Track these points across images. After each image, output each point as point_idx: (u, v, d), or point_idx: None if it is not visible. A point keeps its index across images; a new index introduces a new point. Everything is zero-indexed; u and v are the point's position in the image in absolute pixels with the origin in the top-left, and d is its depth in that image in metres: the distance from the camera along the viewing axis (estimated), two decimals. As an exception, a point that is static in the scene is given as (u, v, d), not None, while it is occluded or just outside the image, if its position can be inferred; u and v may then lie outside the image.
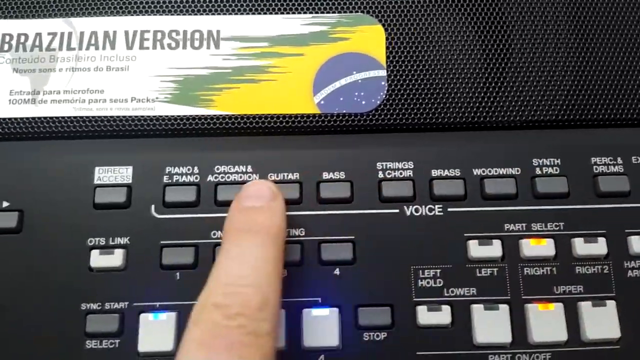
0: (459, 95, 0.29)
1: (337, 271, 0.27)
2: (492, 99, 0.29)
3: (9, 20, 0.30)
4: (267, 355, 0.21)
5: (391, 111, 0.29)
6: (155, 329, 0.26)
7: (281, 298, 0.23)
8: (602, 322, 0.26)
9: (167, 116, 0.28)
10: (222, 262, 0.23)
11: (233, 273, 0.22)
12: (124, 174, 0.27)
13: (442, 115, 0.29)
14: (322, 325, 0.26)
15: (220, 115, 0.28)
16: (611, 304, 0.26)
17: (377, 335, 0.26)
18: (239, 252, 0.23)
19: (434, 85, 0.29)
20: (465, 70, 0.29)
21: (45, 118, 0.28)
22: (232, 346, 0.20)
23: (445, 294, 0.26)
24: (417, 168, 0.28)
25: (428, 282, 0.26)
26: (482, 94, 0.29)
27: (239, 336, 0.20)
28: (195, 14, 0.30)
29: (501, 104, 0.29)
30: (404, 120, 0.29)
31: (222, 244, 0.24)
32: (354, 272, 0.27)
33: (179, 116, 0.28)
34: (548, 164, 0.28)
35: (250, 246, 0.23)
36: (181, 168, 0.28)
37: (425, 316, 0.26)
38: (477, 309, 0.26)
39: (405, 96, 0.29)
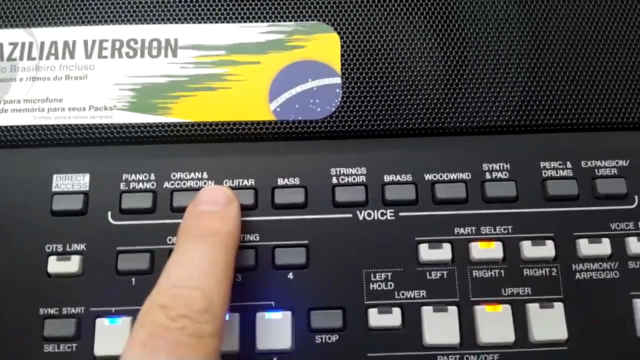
0: (411, 102, 0.29)
1: (290, 275, 0.27)
2: (443, 106, 0.29)
3: (-29, 30, 0.30)
4: (208, 358, 0.21)
5: (345, 118, 0.29)
6: (110, 334, 0.26)
7: (228, 302, 0.24)
8: (549, 323, 0.26)
9: (124, 124, 0.29)
10: (170, 265, 0.24)
11: (180, 276, 0.23)
12: (81, 181, 0.28)
13: (395, 121, 0.29)
14: (275, 328, 0.26)
15: (177, 122, 0.29)
16: (559, 306, 0.27)
17: (329, 338, 0.26)
18: (188, 256, 0.24)
19: (387, 93, 0.30)
20: (418, 78, 0.30)
21: (5, 127, 0.29)
22: (173, 347, 0.21)
23: (396, 297, 0.27)
24: (370, 173, 0.28)
25: (379, 285, 0.27)
26: (434, 101, 0.30)
27: (180, 337, 0.21)
28: (154, 23, 0.30)
29: (452, 110, 0.29)
30: (357, 127, 0.29)
31: (174, 248, 0.25)
32: (307, 276, 0.27)
33: (136, 124, 0.29)
34: (497, 168, 0.28)
35: (199, 250, 0.24)
36: (138, 175, 0.28)
37: (376, 318, 0.26)
38: (426, 311, 0.26)
39: (359, 103, 0.29)
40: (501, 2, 0.31)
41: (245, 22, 0.30)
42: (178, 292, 0.22)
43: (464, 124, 0.29)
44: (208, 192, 0.26)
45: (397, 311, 0.27)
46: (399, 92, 0.30)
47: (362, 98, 0.29)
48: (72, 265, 0.27)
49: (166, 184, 0.28)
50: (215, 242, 0.24)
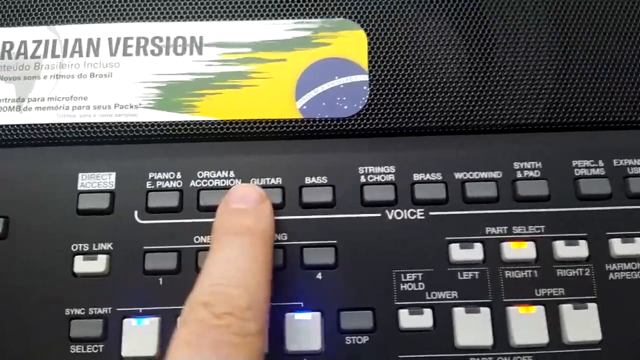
0: (440, 99, 0.29)
1: (319, 275, 0.27)
2: (473, 103, 0.29)
3: (-6, 28, 0.30)
4: (254, 356, 0.21)
5: (373, 116, 0.29)
6: (138, 334, 0.26)
7: (269, 300, 0.23)
8: (583, 324, 0.26)
9: (150, 122, 0.29)
10: (209, 263, 0.23)
11: (220, 274, 0.23)
12: (107, 180, 0.28)
13: (424, 119, 0.29)
14: (305, 329, 0.26)
15: (203, 120, 0.29)
16: (592, 307, 0.26)
17: (359, 339, 0.26)
18: (227, 254, 0.23)
19: (416, 90, 0.29)
20: (447, 75, 0.29)
21: (29, 125, 0.29)
22: (219, 345, 0.20)
23: (427, 298, 0.26)
24: (399, 172, 0.28)
25: (410, 286, 0.27)
26: (464, 98, 0.29)
27: (225, 335, 0.21)
28: (178, 20, 0.30)
29: (482, 108, 0.29)
30: (385, 125, 0.29)
31: (210, 246, 0.24)
32: (336, 277, 0.27)
33: (162, 122, 0.29)
34: (529, 167, 0.28)
35: (238, 247, 0.23)
36: (164, 174, 0.28)
37: (407, 319, 0.26)
38: (458, 312, 0.26)
39: (387, 101, 0.29)
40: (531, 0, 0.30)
41: (270, 19, 0.30)
42: (220, 289, 0.22)
43: (494, 122, 0.29)
44: (240, 189, 0.26)
45: (428, 312, 0.26)
46: (428, 89, 0.29)
47: (390, 95, 0.29)
48: (99, 265, 0.27)
49: (192, 183, 0.28)
50: (253, 239, 0.24)
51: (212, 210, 0.27)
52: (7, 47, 0.30)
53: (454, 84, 0.29)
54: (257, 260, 0.23)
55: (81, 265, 0.27)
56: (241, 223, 0.24)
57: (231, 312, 0.21)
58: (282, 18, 0.30)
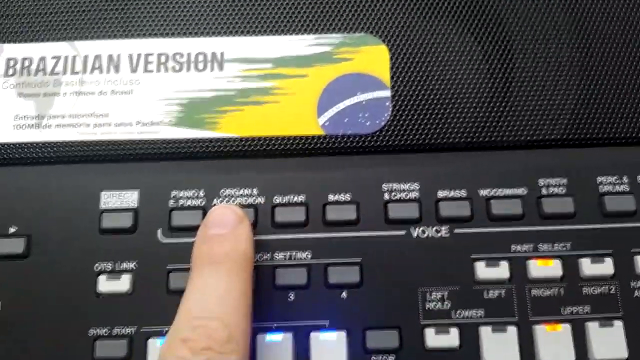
0: (464, 115, 0.29)
1: (344, 294, 0.27)
2: (497, 119, 0.29)
3: (13, 44, 0.30)
4: None
5: (396, 132, 0.29)
6: (163, 355, 0.26)
7: (250, 327, 0.23)
8: (609, 342, 0.26)
9: (172, 139, 0.28)
10: (188, 295, 0.23)
11: (198, 307, 0.23)
12: (129, 198, 0.28)
13: (448, 135, 0.29)
14: (330, 349, 0.26)
15: (225, 137, 0.28)
16: (618, 324, 0.26)
17: (385, 358, 0.26)
18: (203, 284, 0.23)
19: (439, 106, 0.29)
20: (470, 90, 0.29)
21: (50, 143, 0.28)
22: None
23: (453, 316, 0.26)
24: (423, 189, 0.28)
25: (435, 305, 0.26)
26: (488, 114, 0.29)
27: None
28: (199, 36, 0.30)
29: (506, 123, 0.29)
30: (409, 141, 0.29)
31: (190, 275, 0.24)
32: (361, 295, 0.27)
33: (183, 139, 0.28)
34: (554, 183, 0.28)
35: (214, 278, 0.23)
36: (187, 192, 0.28)
37: (433, 339, 0.26)
38: (485, 331, 0.26)
39: (410, 116, 0.29)
40: (552, 13, 0.30)
41: (291, 34, 0.30)
42: (198, 323, 0.22)
43: (518, 138, 0.29)
44: (217, 213, 0.25)
45: (454, 331, 0.26)
46: (451, 105, 0.29)
47: (413, 111, 0.29)
48: (123, 284, 0.26)
49: (216, 201, 0.28)
50: (229, 267, 0.24)
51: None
52: (27, 63, 0.29)
53: (477, 100, 0.29)
54: (234, 289, 0.23)
55: (105, 284, 0.26)
56: (218, 250, 0.24)
57: (211, 346, 0.21)
58: (303, 33, 0.30)
